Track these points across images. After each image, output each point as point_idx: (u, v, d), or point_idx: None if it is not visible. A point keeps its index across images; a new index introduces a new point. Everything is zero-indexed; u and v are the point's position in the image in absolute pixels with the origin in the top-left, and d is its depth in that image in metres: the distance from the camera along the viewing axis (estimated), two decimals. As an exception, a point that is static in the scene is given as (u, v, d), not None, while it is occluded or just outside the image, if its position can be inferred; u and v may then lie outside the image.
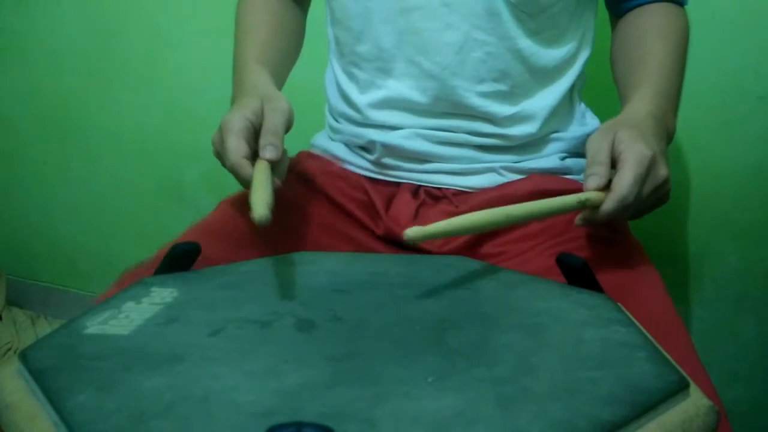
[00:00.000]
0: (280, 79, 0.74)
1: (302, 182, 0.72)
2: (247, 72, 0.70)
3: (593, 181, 0.56)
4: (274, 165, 0.59)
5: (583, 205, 0.56)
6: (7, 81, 1.50)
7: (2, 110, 1.53)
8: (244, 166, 0.58)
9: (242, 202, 0.69)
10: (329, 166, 0.76)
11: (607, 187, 0.56)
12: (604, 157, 0.57)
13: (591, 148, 0.59)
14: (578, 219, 0.58)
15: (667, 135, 0.63)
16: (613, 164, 0.57)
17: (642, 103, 0.63)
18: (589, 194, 0.56)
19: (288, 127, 0.63)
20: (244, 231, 0.65)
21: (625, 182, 0.54)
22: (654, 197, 0.58)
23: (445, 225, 0.50)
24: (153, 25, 1.32)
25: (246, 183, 0.58)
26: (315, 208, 0.71)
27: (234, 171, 0.59)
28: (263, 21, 0.77)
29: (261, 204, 0.51)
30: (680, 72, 0.70)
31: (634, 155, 0.55)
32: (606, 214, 0.55)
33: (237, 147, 0.58)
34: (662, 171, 0.57)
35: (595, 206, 0.56)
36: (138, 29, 1.34)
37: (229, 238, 0.64)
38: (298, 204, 0.70)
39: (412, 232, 0.47)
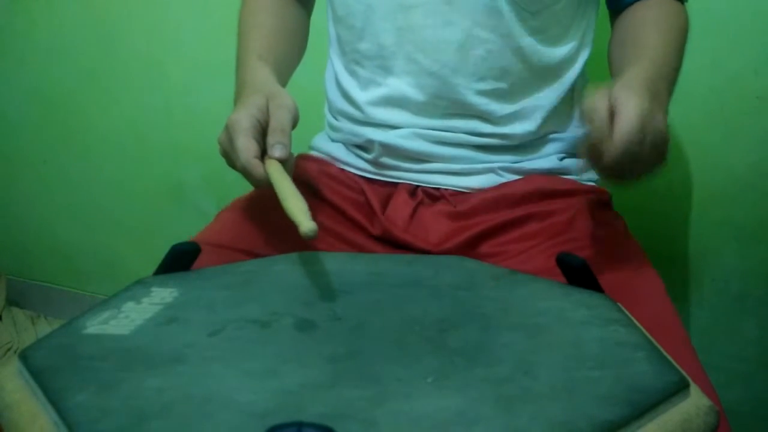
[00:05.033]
0: (282, 78, 0.74)
1: (299, 185, 0.72)
2: (250, 69, 0.70)
3: (595, 129, 0.53)
4: (282, 163, 0.59)
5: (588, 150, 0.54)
6: (7, 81, 1.50)
7: (2, 110, 1.53)
8: (257, 166, 0.57)
9: (241, 209, 0.69)
10: (326, 167, 0.76)
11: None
12: (602, 106, 0.54)
13: (587, 102, 0.56)
14: (579, 167, 0.55)
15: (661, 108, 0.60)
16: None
17: (633, 75, 0.60)
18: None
19: (294, 124, 0.62)
20: (242, 239, 0.65)
21: (628, 123, 0.52)
22: (655, 153, 0.55)
23: None
24: (153, 25, 1.32)
25: (258, 183, 0.58)
26: (312, 211, 0.70)
27: (246, 171, 0.58)
28: (266, 20, 0.77)
29: (303, 215, 0.50)
30: (674, 60, 0.67)
31: (633, 104, 0.53)
32: (612, 158, 0.52)
33: (247, 147, 0.58)
34: (660, 123, 0.54)
35: (598, 154, 0.53)
36: (138, 29, 1.34)
37: (228, 246, 0.64)
38: None
39: None
